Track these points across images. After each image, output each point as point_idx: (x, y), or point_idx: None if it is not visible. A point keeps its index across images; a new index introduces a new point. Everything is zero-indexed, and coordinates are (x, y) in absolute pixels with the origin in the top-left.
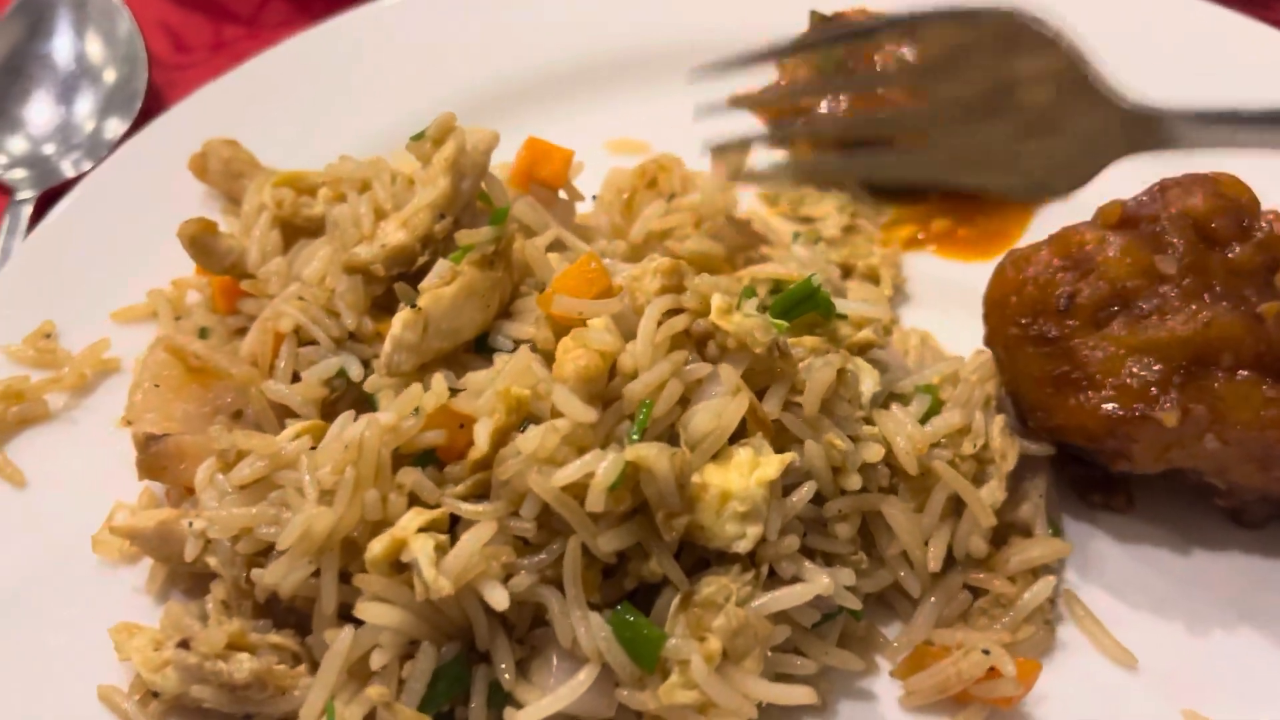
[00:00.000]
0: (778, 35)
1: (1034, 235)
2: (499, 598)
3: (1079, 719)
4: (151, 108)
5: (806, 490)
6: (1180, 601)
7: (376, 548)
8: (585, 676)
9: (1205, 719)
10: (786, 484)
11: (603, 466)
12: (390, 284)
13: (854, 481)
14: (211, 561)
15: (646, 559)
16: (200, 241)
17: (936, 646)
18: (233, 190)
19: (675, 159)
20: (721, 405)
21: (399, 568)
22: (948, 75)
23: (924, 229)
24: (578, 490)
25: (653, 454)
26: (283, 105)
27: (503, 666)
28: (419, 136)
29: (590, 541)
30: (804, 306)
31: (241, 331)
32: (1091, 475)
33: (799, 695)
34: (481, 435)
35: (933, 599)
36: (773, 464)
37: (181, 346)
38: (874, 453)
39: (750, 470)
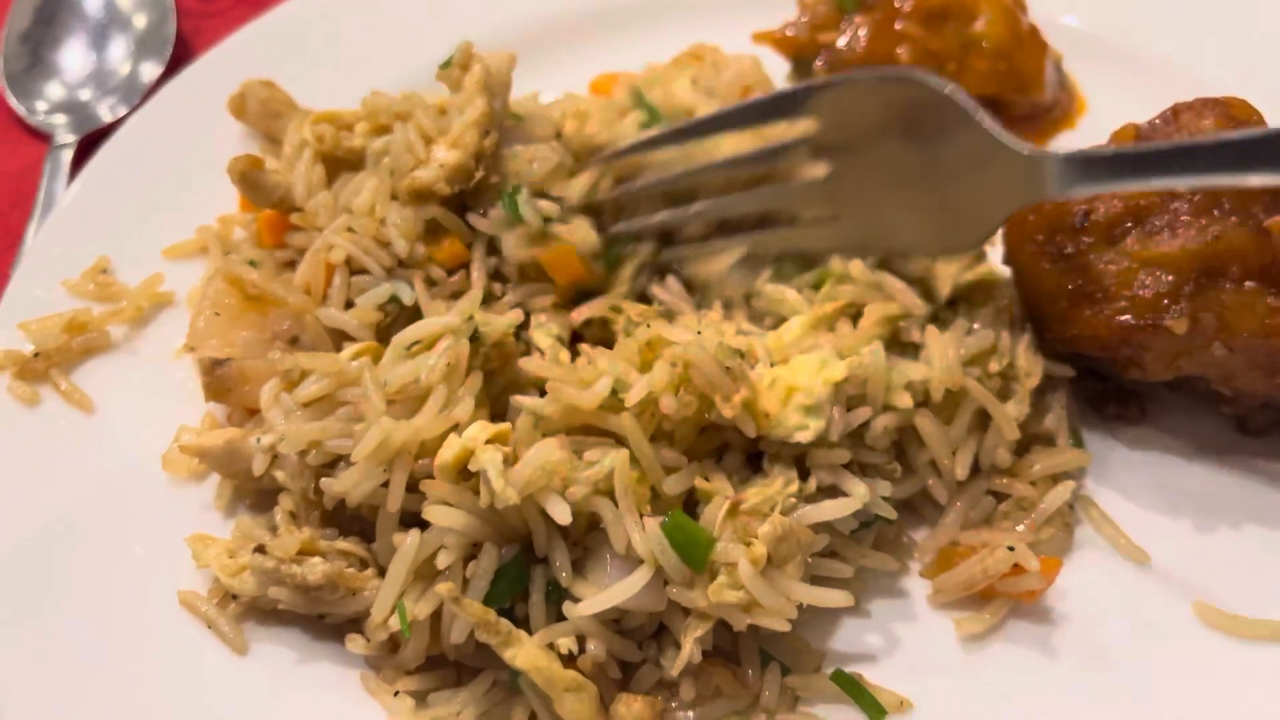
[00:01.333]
0: None
1: None
2: (560, 511)
3: (1097, 611)
4: (181, 55)
5: (864, 411)
6: (1189, 504)
7: (447, 455)
8: (640, 576)
9: (1215, 608)
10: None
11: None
12: (445, 205)
13: (905, 400)
14: (279, 475)
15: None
16: (250, 177)
17: (962, 547)
18: (271, 130)
19: (711, 46)
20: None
21: (464, 475)
22: (849, 146)
23: None
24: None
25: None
26: (313, 48)
27: (559, 565)
28: (447, 64)
29: (649, 462)
30: None
31: (288, 265)
32: (1106, 389)
33: (836, 599)
34: None
35: (959, 504)
36: (839, 367)
37: (240, 275)
38: (920, 372)
39: (818, 371)
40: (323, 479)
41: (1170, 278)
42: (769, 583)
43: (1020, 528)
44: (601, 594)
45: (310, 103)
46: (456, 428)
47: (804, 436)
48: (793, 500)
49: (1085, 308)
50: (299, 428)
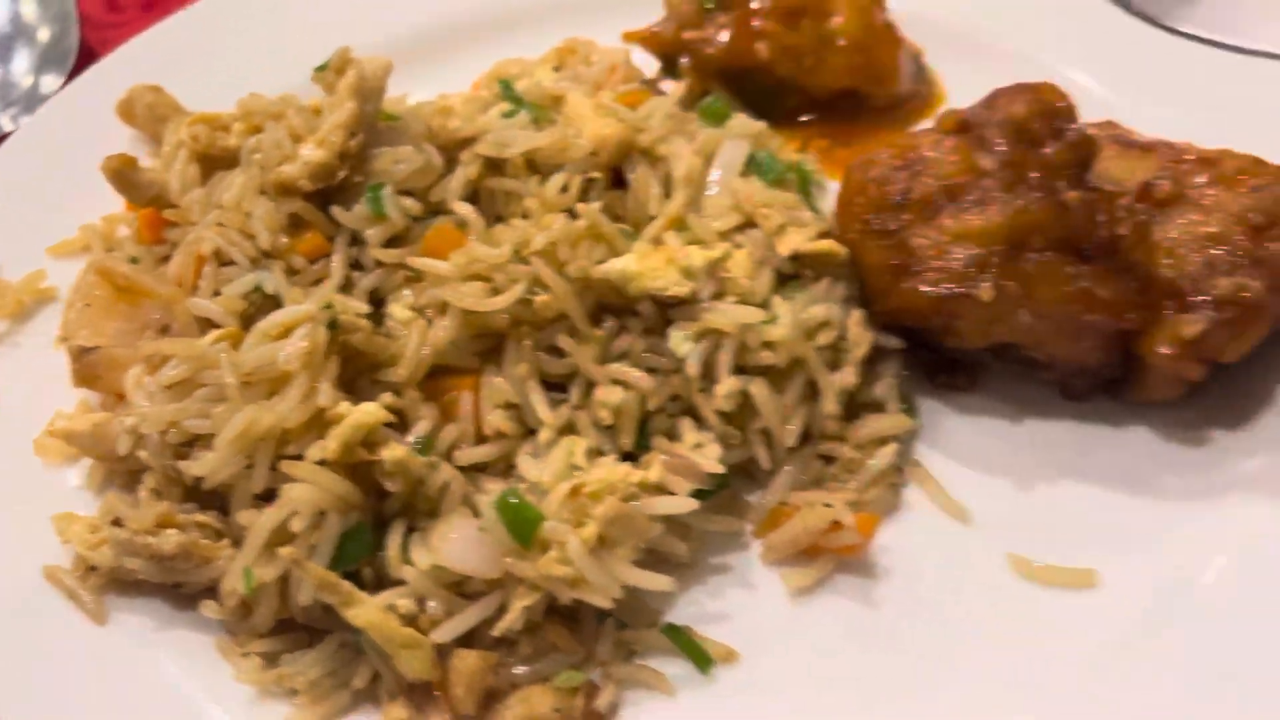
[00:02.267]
0: None
1: None
2: (390, 482)
3: (919, 565)
4: (84, 65)
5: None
6: (1012, 465)
7: (334, 443)
8: (470, 544)
9: (1025, 559)
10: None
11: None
12: (307, 200)
13: (767, 357)
14: (142, 454)
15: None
16: (123, 175)
17: (789, 507)
18: (159, 133)
19: (585, 41)
20: None
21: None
22: None
23: (805, 148)
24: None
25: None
26: (204, 55)
27: (394, 531)
28: (322, 68)
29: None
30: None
31: (168, 259)
32: (938, 360)
33: (660, 583)
34: None
35: (789, 467)
36: (716, 250)
37: (110, 268)
38: (777, 333)
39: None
40: (181, 463)
41: (977, 250)
42: (598, 562)
43: (849, 489)
44: (431, 557)
45: (202, 107)
46: (320, 414)
47: (680, 291)
48: (634, 489)
49: (904, 281)
50: (159, 409)
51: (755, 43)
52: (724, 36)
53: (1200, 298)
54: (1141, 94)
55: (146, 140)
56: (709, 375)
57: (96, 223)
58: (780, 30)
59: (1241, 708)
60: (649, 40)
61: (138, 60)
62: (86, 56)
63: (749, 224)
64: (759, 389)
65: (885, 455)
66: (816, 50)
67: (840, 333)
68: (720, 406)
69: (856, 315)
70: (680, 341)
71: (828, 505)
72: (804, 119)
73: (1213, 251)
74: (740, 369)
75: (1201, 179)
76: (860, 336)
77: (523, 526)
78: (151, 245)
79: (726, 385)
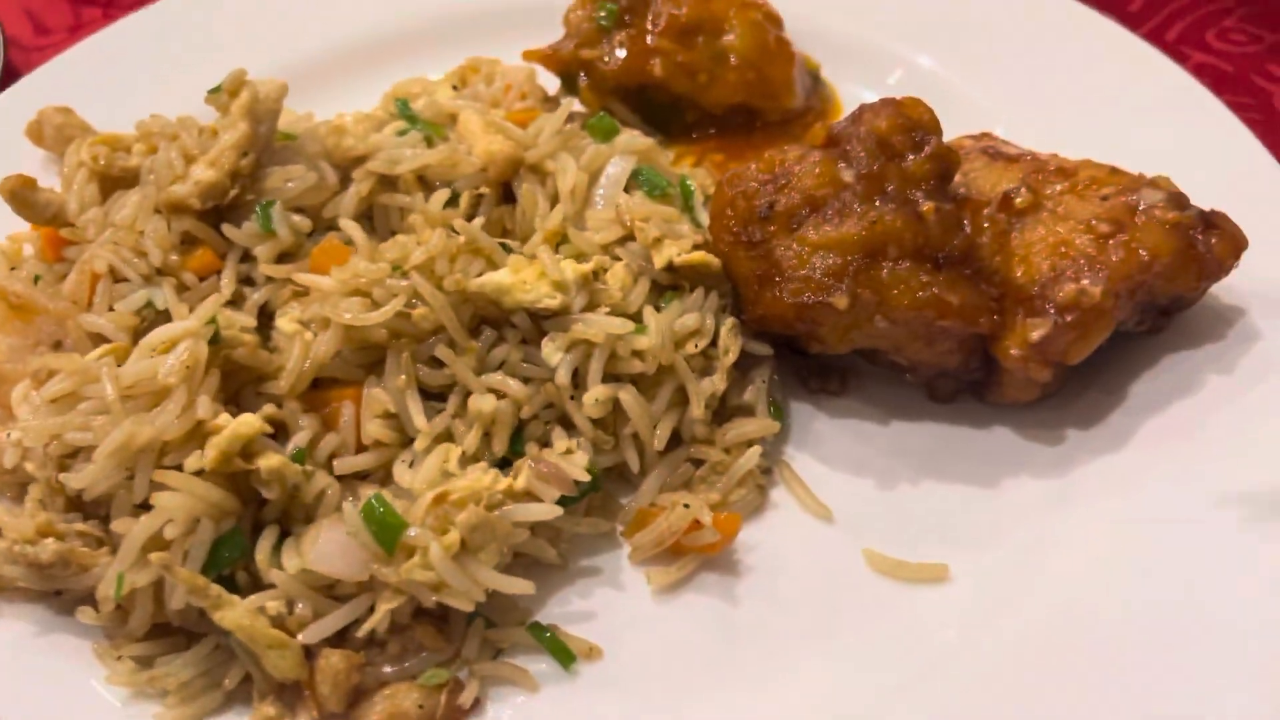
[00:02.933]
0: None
1: None
2: (267, 490)
3: (780, 562)
4: (8, 87)
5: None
6: (877, 465)
7: (212, 453)
8: (334, 549)
9: (880, 554)
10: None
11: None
12: (199, 218)
13: (635, 365)
14: (28, 466)
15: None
16: (20, 195)
17: (655, 508)
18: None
19: (489, 60)
20: None
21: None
22: None
23: (701, 162)
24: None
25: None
26: (119, 78)
27: (275, 536)
28: (216, 90)
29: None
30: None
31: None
32: (810, 365)
33: (520, 586)
34: None
35: (658, 469)
36: (590, 263)
37: (3, 287)
38: (645, 342)
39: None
40: (62, 474)
41: (835, 259)
42: (459, 567)
43: (715, 490)
44: (300, 560)
45: (118, 128)
46: (200, 425)
47: (551, 304)
48: (500, 496)
49: (769, 290)
50: (41, 422)
51: (650, 60)
52: (620, 54)
53: (1047, 302)
54: (1030, 107)
55: (57, 161)
56: (581, 383)
57: (3, 243)
58: (675, 48)
59: (1084, 699)
60: (548, 59)
61: (53, 82)
62: (11, 78)
63: (629, 237)
64: (627, 396)
65: (750, 457)
66: (710, 67)
67: (711, 340)
68: (590, 413)
69: (729, 323)
70: (551, 352)
71: (687, 505)
72: (700, 134)
73: (1060, 257)
74: (614, 376)
75: (1058, 187)
76: (730, 343)
77: (386, 533)
78: (54, 263)
79: (595, 393)
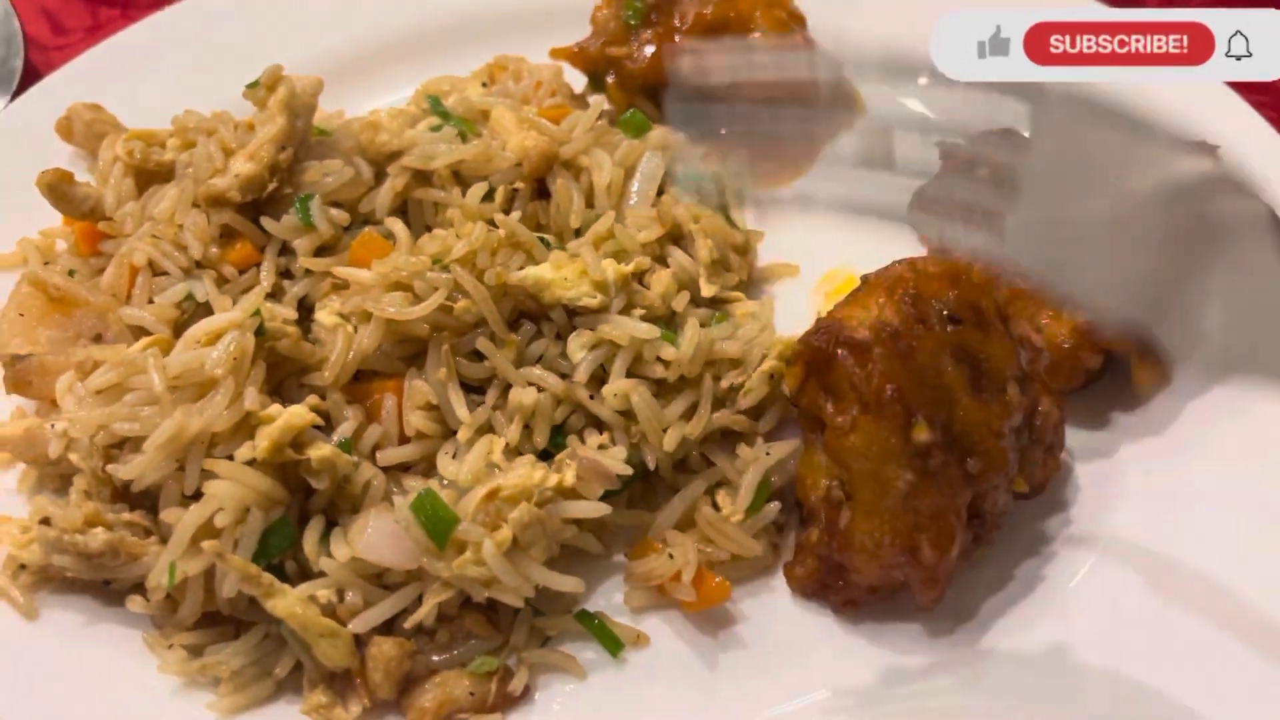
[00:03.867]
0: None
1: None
2: (316, 480)
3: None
4: (29, 85)
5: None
6: None
7: (264, 443)
8: (386, 540)
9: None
10: None
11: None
12: (238, 211)
13: (657, 370)
14: (73, 457)
15: None
16: (58, 189)
17: (654, 544)
18: (98, 150)
19: (516, 58)
20: None
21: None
22: None
23: (728, 159)
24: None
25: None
26: (144, 76)
27: (313, 525)
28: (254, 85)
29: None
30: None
31: (104, 271)
32: None
33: (570, 584)
34: None
35: (674, 501)
36: (629, 266)
37: (43, 278)
38: (672, 353)
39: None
40: (110, 465)
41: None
42: (511, 563)
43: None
44: (350, 549)
45: (142, 125)
46: (248, 416)
47: (592, 304)
48: (550, 493)
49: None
50: (88, 413)
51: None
52: (648, 51)
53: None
54: None
55: (86, 157)
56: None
57: (34, 237)
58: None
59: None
60: (575, 57)
61: (79, 80)
62: (32, 77)
63: (671, 235)
64: (638, 396)
65: (767, 513)
66: None
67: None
68: (612, 405)
69: (766, 369)
70: (576, 349)
71: (672, 555)
72: (725, 131)
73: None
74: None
75: None
76: (759, 386)
77: (438, 527)
78: (88, 258)
79: (613, 387)
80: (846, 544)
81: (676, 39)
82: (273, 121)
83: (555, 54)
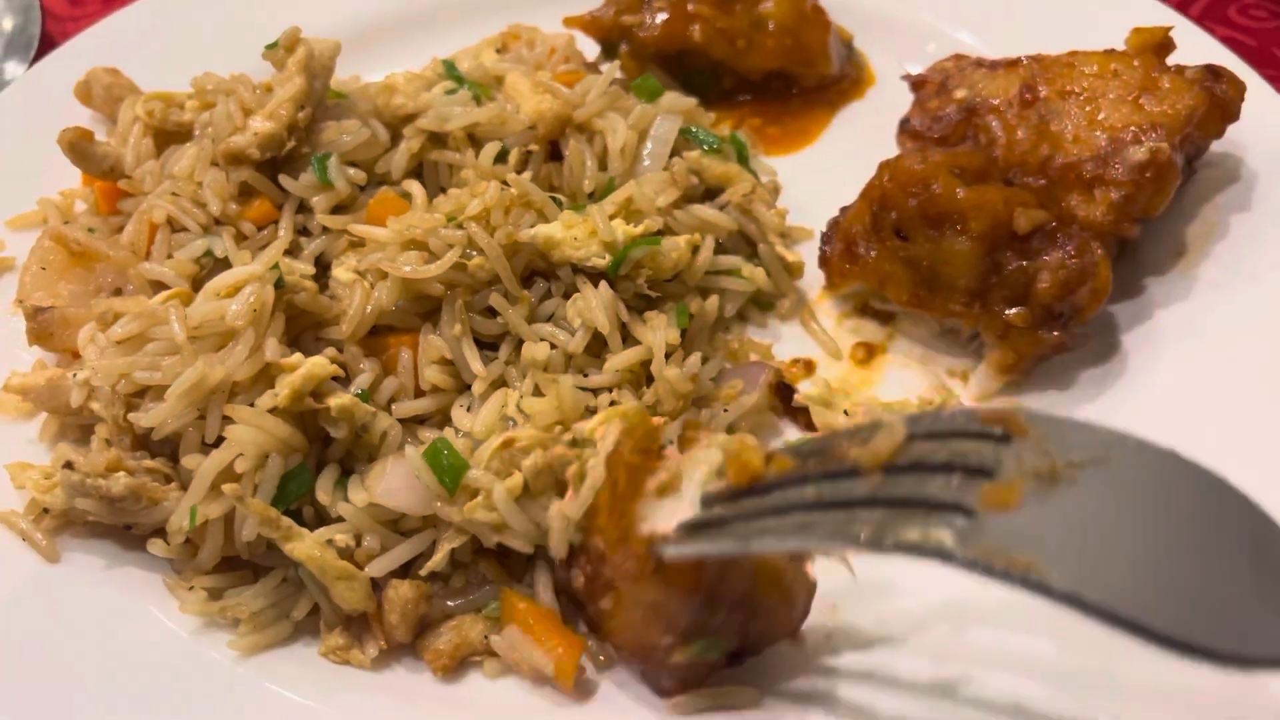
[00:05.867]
0: None
1: (834, 132)
2: (335, 429)
3: None
4: (45, 54)
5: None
6: None
7: (285, 392)
8: (399, 485)
9: None
10: None
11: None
12: (257, 169)
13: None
14: (95, 406)
15: None
16: (79, 147)
17: None
18: (115, 113)
19: (529, 27)
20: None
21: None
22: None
23: (740, 126)
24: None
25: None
26: (160, 42)
27: (337, 473)
28: (273, 46)
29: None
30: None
31: (123, 230)
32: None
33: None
34: None
35: None
36: (639, 228)
37: (64, 234)
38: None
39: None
40: (132, 414)
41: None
42: (521, 509)
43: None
44: (367, 495)
45: (158, 89)
46: (269, 366)
47: (600, 263)
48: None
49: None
50: (110, 362)
51: (690, 26)
52: (660, 20)
53: (1113, 169)
54: None
55: (104, 120)
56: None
57: (54, 196)
58: (714, 14)
59: None
60: (588, 25)
61: (96, 46)
62: (48, 47)
63: (686, 197)
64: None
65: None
66: (748, 34)
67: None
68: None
69: None
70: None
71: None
72: (738, 99)
73: (1110, 129)
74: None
75: (1069, 74)
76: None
77: (448, 473)
78: (107, 216)
79: (614, 362)
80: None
81: (689, 7)
82: (291, 82)
83: (569, 22)
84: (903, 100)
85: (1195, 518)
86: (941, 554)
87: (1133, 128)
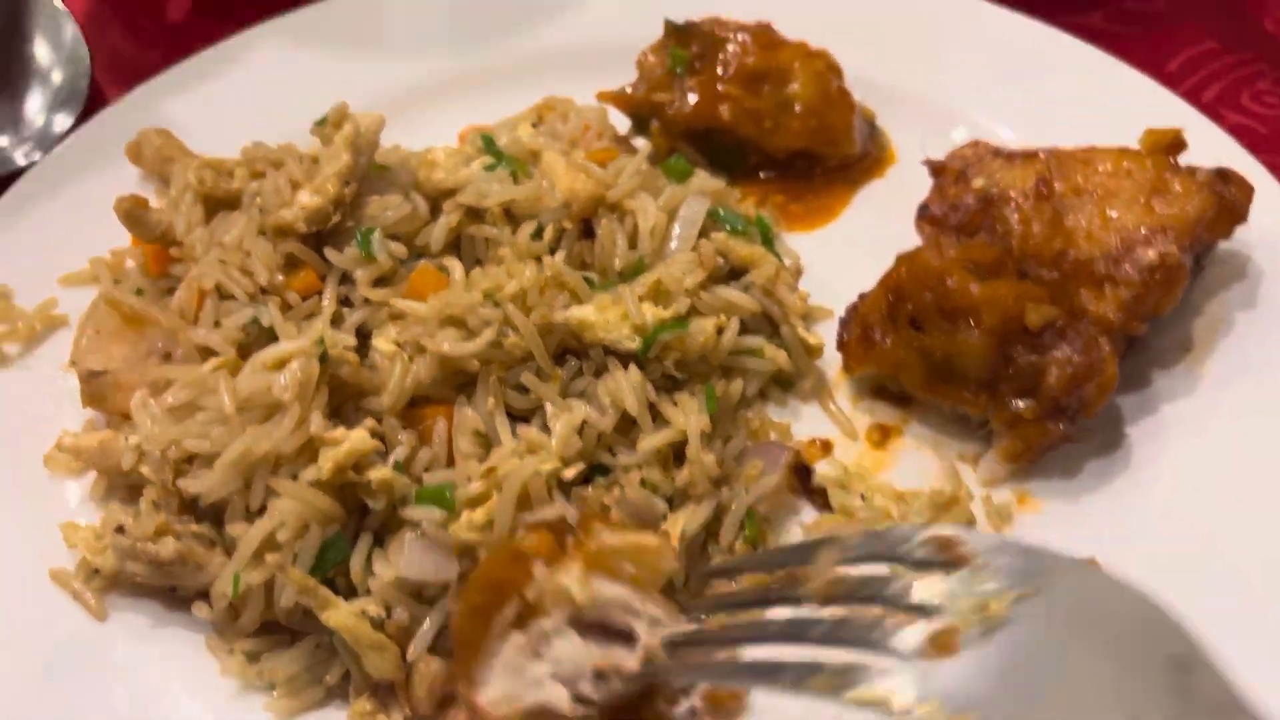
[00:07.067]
0: (631, 37)
1: (855, 210)
2: (371, 501)
3: None
4: (94, 106)
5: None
6: None
7: (327, 465)
8: (422, 551)
9: None
10: None
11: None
12: (302, 241)
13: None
14: (144, 469)
15: None
16: (133, 214)
17: None
18: (165, 173)
19: (564, 99)
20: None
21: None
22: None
23: (762, 204)
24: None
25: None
26: (209, 103)
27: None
28: (321, 122)
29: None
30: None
31: (171, 292)
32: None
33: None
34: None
35: None
36: (668, 311)
37: (119, 299)
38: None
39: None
40: (181, 480)
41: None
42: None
43: None
44: (391, 569)
45: (205, 150)
46: (312, 439)
47: (630, 346)
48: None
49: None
50: (162, 429)
51: (719, 105)
52: (691, 99)
53: (1125, 269)
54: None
55: (153, 179)
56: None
57: (105, 256)
58: (742, 95)
59: None
60: (620, 100)
61: (147, 104)
62: (98, 99)
63: (713, 278)
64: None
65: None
66: (775, 114)
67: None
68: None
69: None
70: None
71: None
72: (763, 175)
73: (1122, 230)
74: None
75: (1086, 171)
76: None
77: (437, 496)
78: (157, 279)
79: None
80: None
81: (719, 87)
82: (338, 158)
83: (602, 97)
84: (922, 181)
85: (1123, 645)
86: (891, 714)
87: (1144, 229)
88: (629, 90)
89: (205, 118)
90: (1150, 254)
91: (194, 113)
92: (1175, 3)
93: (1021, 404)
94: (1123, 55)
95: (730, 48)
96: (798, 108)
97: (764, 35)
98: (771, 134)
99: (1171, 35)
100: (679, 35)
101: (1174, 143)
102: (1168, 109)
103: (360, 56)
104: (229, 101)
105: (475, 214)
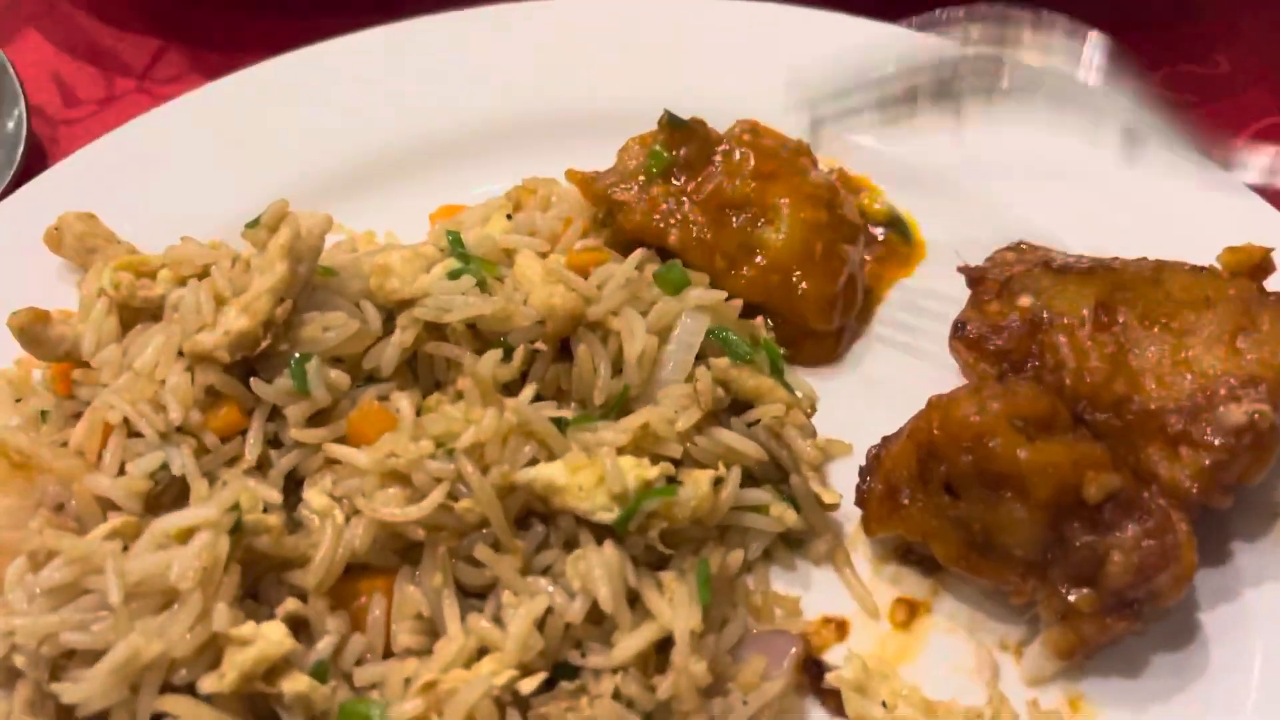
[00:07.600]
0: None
1: (878, 320)
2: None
3: None
4: (33, 161)
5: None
6: None
7: (232, 674)
8: None
9: None
10: None
11: None
12: (226, 370)
13: None
14: (18, 660)
15: None
16: (30, 331)
17: None
18: (88, 263)
19: (546, 180)
20: None
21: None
22: None
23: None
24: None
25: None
26: (148, 177)
27: None
28: (254, 224)
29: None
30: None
31: (78, 416)
32: None
33: None
34: None
35: None
36: (654, 470)
37: (6, 442)
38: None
39: (631, 468)
40: (54, 684)
41: None
42: None
43: None
44: None
45: (137, 233)
46: (215, 638)
47: (607, 518)
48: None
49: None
50: (36, 620)
51: (670, 226)
52: (641, 209)
53: (1204, 425)
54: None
55: (75, 269)
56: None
57: (9, 368)
58: (705, 222)
59: None
60: (584, 186)
61: (73, 180)
62: (34, 152)
63: (712, 417)
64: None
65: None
66: (733, 254)
67: None
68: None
69: None
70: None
71: None
72: None
73: (1201, 375)
74: None
75: (1153, 297)
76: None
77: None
78: (65, 398)
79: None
80: None
81: (684, 205)
82: (272, 270)
83: (570, 175)
84: (957, 282)
85: None
86: None
87: (1229, 378)
88: (595, 178)
89: (139, 194)
90: (1237, 413)
91: (127, 187)
92: (1241, 64)
93: (1076, 595)
94: None
95: (719, 163)
96: (759, 257)
97: (769, 162)
98: (723, 275)
99: (1237, 102)
100: (673, 133)
101: (1261, 264)
102: (1244, 210)
103: (322, 118)
104: (171, 174)
105: (436, 329)
